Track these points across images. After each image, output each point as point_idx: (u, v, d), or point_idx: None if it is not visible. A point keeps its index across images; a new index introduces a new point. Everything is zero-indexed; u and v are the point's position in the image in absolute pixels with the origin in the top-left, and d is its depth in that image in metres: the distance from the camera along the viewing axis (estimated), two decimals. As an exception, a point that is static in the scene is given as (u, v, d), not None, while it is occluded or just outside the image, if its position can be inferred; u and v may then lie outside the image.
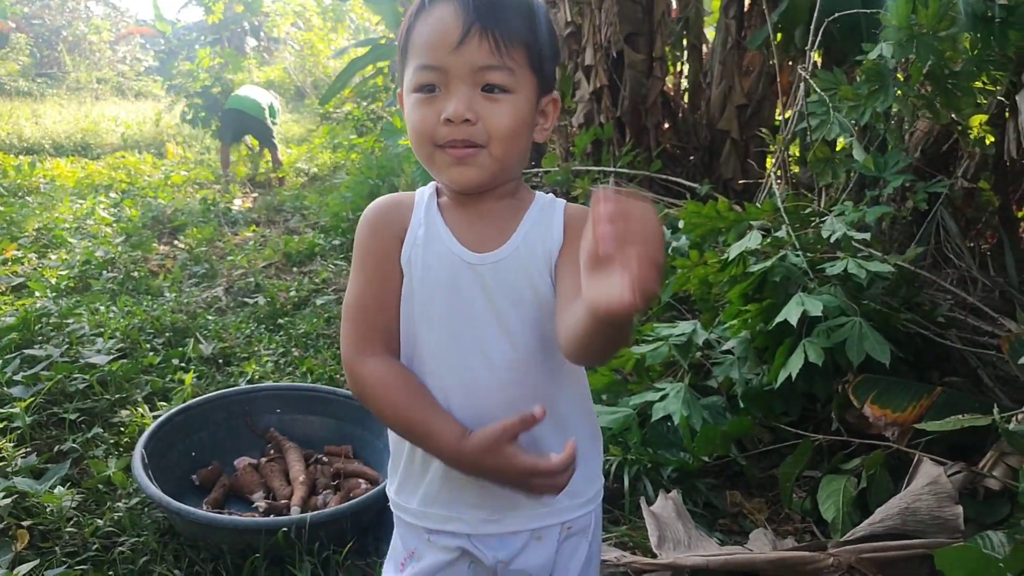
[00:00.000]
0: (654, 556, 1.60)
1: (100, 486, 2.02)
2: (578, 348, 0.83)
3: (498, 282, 0.93)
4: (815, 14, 2.48)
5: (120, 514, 1.87)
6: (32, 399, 2.26)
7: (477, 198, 0.96)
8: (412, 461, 0.99)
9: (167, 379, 2.70)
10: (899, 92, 2.21)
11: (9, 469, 1.98)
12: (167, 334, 3.15)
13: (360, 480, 2.06)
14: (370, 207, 1.00)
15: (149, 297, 3.65)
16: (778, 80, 3.90)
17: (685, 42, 4.62)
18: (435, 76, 0.88)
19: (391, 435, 1.02)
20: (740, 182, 3.93)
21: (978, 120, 2.42)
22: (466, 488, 0.94)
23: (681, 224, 2.74)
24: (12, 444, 2.05)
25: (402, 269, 0.95)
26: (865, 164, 2.16)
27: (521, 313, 0.93)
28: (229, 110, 7.38)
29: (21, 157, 8.19)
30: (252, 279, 4.03)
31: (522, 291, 0.94)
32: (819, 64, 3.31)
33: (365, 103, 9.12)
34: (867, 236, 2.02)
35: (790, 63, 3.89)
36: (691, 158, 4.39)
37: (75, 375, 2.49)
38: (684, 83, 4.85)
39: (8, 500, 1.79)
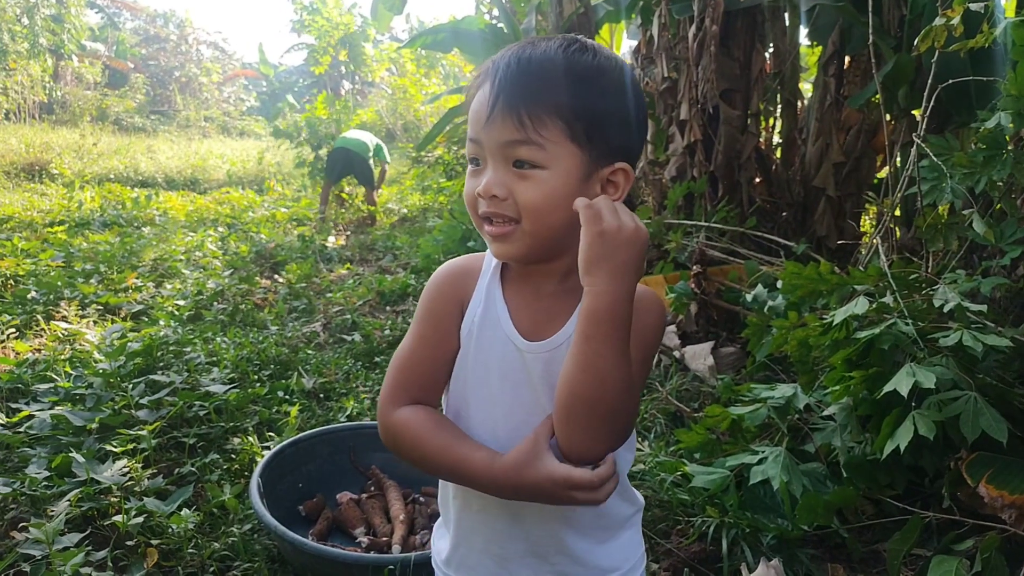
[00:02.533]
0: (755, 624, 1.58)
1: (215, 510, 2.14)
2: (560, 387, 0.85)
3: (546, 373, 0.93)
4: (930, 78, 2.46)
5: (234, 539, 1.98)
6: (157, 423, 2.42)
7: (535, 271, 0.96)
8: (450, 525, 1.02)
9: (273, 410, 2.84)
10: (1017, 161, 2.16)
11: (138, 489, 2.13)
12: (272, 366, 3.32)
13: (457, 523, 2.11)
14: (440, 270, 1.02)
15: (255, 329, 3.85)
16: (881, 139, 3.84)
17: (779, 98, 4.62)
18: (476, 149, 0.91)
19: (441, 493, 1.05)
20: (837, 242, 3.87)
21: (1100, 192, 2.33)
22: (498, 564, 0.98)
23: (780, 284, 2.73)
24: (140, 465, 2.20)
25: (460, 339, 0.97)
26: (986, 236, 2.12)
27: None
28: (337, 149, 7.74)
29: (137, 190, 8.82)
30: (348, 316, 4.20)
31: None
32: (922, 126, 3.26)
33: (455, 148, 9.42)
34: (984, 308, 1.97)
35: (892, 123, 3.83)
36: (783, 214, 4.35)
37: (195, 402, 2.66)
38: (776, 138, 4.84)
39: (139, 519, 1.93)
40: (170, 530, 1.95)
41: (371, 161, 7.78)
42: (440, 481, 1.05)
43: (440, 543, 1.07)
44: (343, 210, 8.20)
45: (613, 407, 0.85)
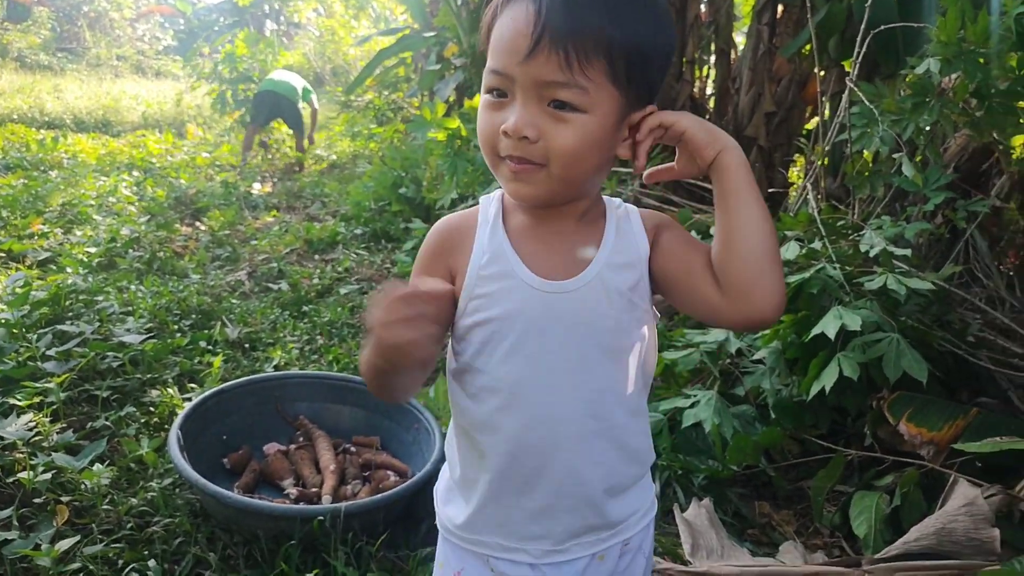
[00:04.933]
0: (686, 563, 1.61)
1: (132, 465, 2.04)
2: (739, 246, 0.83)
3: (574, 313, 0.87)
4: (862, 25, 2.47)
5: (153, 494, 1.89)
6: (66, 375, 2.28)
7: (546, 215, 0.90)
8: (476, 488, 0.96)
9: (195, 361, 2.71)
10: (943, 108, 2.20)
11: (46, 444, 2.00)
12: (193, 316, 3.17)
13: (388, 472, 2.07)
14: (435, 227, 0.96)
15: (175, 278, 3.67)
16: (811, 91, 3.89)
17: (713, 47, 4.61)
18: (504, 82, 0.82)
19: (455, 456, 0.99)
20: (768, 190, 3.92)
21: (1020, 140, 2.41)
22: (530, 520, 0.93)
23: (712, 231, 2.75)
24: (48, 419, 2.07)
25: (456, 299, 0.91)
26: (914, 180, 2.16)
27: (599, 344, 0.89)
28: (263, 92, 7.36)
29: (43, 131, 8.24)
30: (275, 265, 4.05)
31: (602, 321, 0.88)
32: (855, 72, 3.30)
33: (386, 92, 9.13)
34: (908, 252, 2.02)
35: (822, 72, 3.87)
36: (717, 163, 4.38)
37: (108, 353, 2.51)
38: (711, 87, 4.85)
39: (48, 475, 1.81)
40: (82, 486, 1.85)
41: (300, 105, 7.46)
42: (457, 440, 0.98)
43: (451, 508, 1.00)
44: (268, 156, 7.87)
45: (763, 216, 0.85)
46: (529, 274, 0.88)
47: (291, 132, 7.81)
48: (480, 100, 0.87)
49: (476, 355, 0.90)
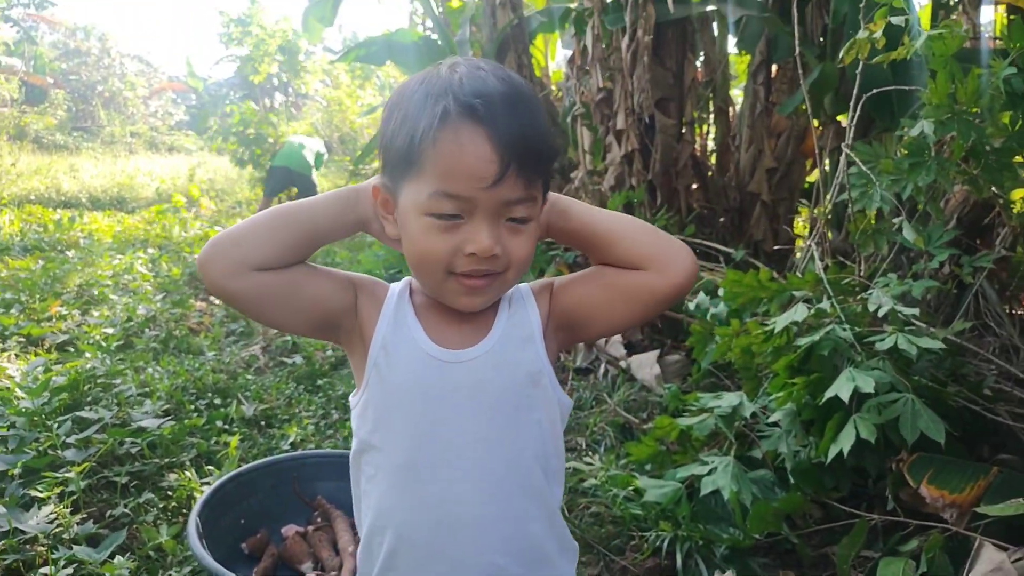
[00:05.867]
0: (713, 639, 1.58)
1: (151, 553, 2.03)
2: (626, 230, 0.94)
3: (472, 383, 0.90)
4: (855, 88, 2.53)
5: (173, 584, 1.89)
6: (86, 464, 2.29)
7: None
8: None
9: (212, 441, 2.73)
10: (940, 167, 2.24)
11: (66, 536, 2.01)
12: (209, 394, 3.19)
13: (408, 551, 2.06)
14: (375, 279, 1.01)
15: (191, 356, 3.71)
16: (809, 145, 3.96)
17: (712, 105, 4.72)
18: (461, 206, 0.83)
19: (360, 554, 1.00)
20: (773, 247, 3.96)
21: (1020, 194, 2.44)
22: None
23: (721, 291, 2.77)
24: (69, 510, 2.08)
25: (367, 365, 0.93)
26: (916, 242, 2.19)
27: (496, 419, 0.90)
28: (277, 167, 7.62)
29: (60, 211, 8.43)
30: (289, 338, 4.08)
31: (500, 394, 0.91)
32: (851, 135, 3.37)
33: (393, 160, 9.32)
34: (916, 311, 2.03)
35: (820, 129, 3.95)
36: (721, 220, 4.44)
37: (126, 439, 2.53)
38: (711, 145, 4.94)
39: (69, 570, 1.81)
40: (103, 579, 1.85)
41: (314, 176, 7.69)
42: (361, 534, 0.99)
43: None
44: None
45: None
46: (429, 343, 0.92)
47: None
48: (417, 222, 0.86)
49: (373, 431, 0.92)
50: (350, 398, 0.98)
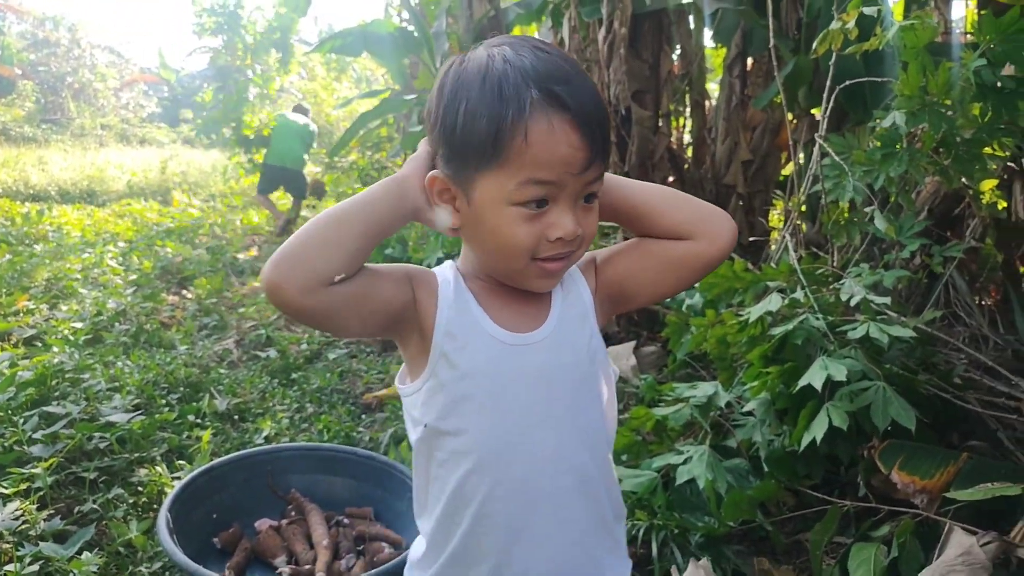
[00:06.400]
0: (688, 627, 1.59)
1: (121, 549, 2.00)
2: (671, 202, 0.96)
3: (540, 364, 0.92)
4: (828, 80, 2.55)
5: (143, 579, 1.85)
6: (53, 460, 2.25)
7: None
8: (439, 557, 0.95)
9: (183, 436, 2.69)
10: (912, 158, 2.27)
11: (33, 533, 1.96)
12: (181, 389, 3.15)
13: (383, 544, 2.05)
14: (420, 267, 0.99)
15: (162, 350, 3.65)
16: (784, 137, 3.98)
17: (688, 98, 4.73)
18: (552, 191, 0.85)
19: (432, 534, 0.98)
20: (749, 239, 3.98)
21: (989, 185, 2.47)
22: None
23: (697, 283, 2.78)
24: (35, 506, 2.04)
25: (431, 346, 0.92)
26: (887, 232, 2.21)
27: (566, 397, 0.93)
28: (272, 166, 7.68)
29: (28, 204, 8.27)
30: (263, 331, 4.04)
31: (567, 372, 0.93)
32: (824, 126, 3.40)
33: (369, 153, 9.26)
34: (887, 300, 2.05)
35: (794, 122, 3.98)
36: (697, 212, 4.45)
37: (94, 434, 2.48)
38: (687, 137, 4.95)
39: (35, 566, 1.77)
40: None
41: (305, 172, 7.78)
42: (429, 512, 0.97)
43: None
44: (256, 220, 7.96)
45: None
46: (496, 328, 0.92)
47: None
48: (504, 212, 0.86)
49: (442, 416, 0.91)
50: (400, 386, 0.96)
